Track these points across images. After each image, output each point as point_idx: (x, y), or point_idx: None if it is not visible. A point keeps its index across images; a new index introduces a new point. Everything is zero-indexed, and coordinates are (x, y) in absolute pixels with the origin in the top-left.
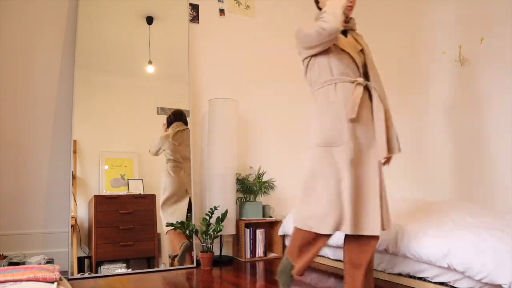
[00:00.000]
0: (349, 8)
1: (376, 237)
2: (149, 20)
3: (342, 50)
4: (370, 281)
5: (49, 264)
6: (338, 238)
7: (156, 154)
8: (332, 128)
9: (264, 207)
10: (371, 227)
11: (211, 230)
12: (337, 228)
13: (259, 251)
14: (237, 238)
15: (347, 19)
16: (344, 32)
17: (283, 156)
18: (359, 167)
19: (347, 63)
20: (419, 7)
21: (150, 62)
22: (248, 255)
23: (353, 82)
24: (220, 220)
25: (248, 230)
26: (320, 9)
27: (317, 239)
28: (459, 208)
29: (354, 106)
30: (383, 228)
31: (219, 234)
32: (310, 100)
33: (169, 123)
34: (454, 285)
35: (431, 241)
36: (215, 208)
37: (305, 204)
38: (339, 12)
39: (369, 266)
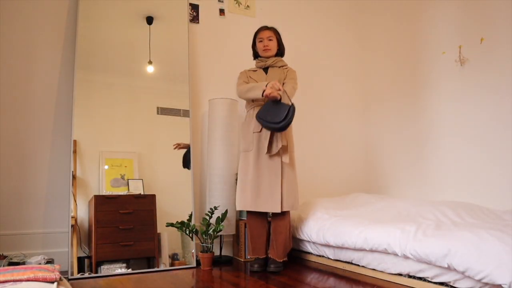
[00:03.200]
0: (265, 50)
1: (282, 213)
2: (149, 20)
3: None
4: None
5: (49, 264)
6: (337, 238)
7: None
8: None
9: None
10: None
11: (211, 230)
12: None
13: None
14: (237, 238)
15: (267, 59)
16: (266, 68)
17: None
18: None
19: None
20: (419, 7)
21: (150, 62)
22: (248, 255)
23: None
24: (220, 220)
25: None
26: (255, 52)
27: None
28: (459, 208)
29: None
30: (282, 208)
31: (219, 234)
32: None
33: None
34: (454, 285)
35: (431, 241)
36: (215, 208)
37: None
38: (253, 95)
39: (278, 234)
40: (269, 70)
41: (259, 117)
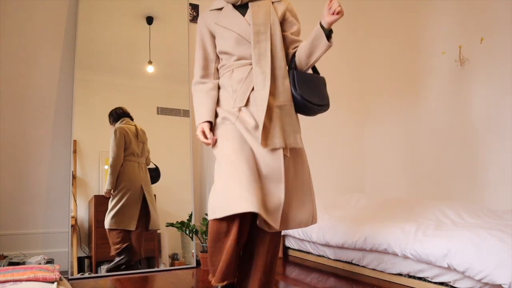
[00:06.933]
0: None
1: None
2: (149, 20)
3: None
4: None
5: (49, 264)
6: (337, 238)
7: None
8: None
9: None
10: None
11: None
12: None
13: None
14: None
15: None
16: (243, 6)
17: None
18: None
19: (236, 43)
20: (419, 7)
21: (150, 62)
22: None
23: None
24: None
25: None
26: None
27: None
28: (459, 208)
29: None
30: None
31: None
32: None
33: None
34: (454, 285)
35: (431, 241)
36: None
37: None
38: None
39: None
40: (250, 6)
41: (304, 99)
